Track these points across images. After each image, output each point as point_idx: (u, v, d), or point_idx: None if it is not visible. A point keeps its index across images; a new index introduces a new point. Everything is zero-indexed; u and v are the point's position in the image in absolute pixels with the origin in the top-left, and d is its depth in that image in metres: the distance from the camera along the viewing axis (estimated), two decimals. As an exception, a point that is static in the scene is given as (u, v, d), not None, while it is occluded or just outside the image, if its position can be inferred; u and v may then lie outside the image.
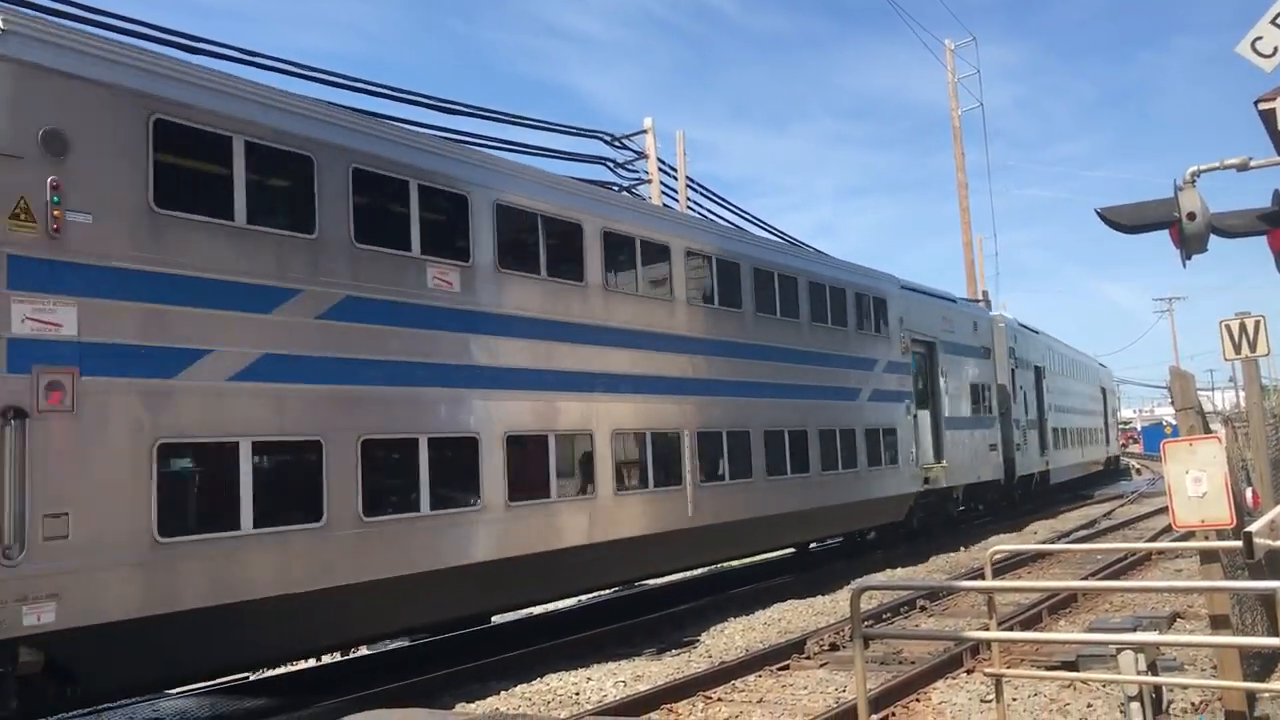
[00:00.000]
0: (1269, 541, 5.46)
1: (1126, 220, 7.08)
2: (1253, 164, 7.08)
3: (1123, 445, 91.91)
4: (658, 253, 14.16)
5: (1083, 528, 23.99)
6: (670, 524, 13.58)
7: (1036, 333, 33.03)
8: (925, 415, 21.63)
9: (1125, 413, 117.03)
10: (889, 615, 13.23)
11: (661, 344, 13.89)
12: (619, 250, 13.44)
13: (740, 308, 15.83)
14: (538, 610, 15.61)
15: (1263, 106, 19.49)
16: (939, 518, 22.50)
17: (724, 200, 25.87)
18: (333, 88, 16.82)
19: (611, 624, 13.15)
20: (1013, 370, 27.34)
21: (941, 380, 22.38)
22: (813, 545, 20.23)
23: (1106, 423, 45.78)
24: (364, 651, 12.77)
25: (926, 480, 21.15)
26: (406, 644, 13.18)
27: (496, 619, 13.87)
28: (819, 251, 22.71)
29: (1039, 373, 31.72)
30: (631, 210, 14.57)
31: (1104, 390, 46.72)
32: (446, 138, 14.65)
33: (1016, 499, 28.24)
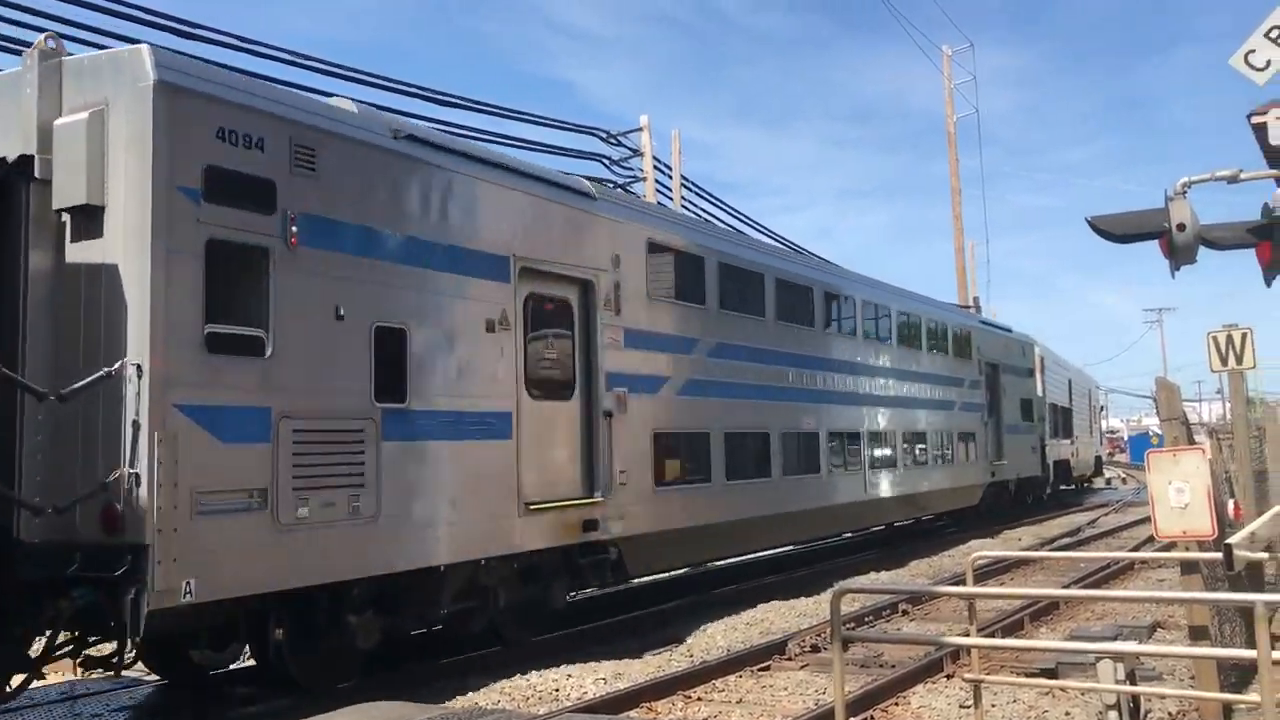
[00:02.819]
0: (1249, 553, 5.48)
1: (1117, 230, 7.09)
2: (1243, 176, 7.10)
3: (1109, 454, 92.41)
4: (863, 308, 20.55)
5: (1067, 535, 24.07)
6: (852, 498, 19.15)
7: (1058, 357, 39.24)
8: (992, 422, 26.87)
9: (1113, 422, 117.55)
10: (871, 618, 13.25)
11: (878, 372, 20.68)
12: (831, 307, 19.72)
13: (893, 343, 21.75)
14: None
15: (1255, 120, 19.56)
16: (1002, 501, 28.13)
17: (720, 200, 25.97)
18: (329, 77, 16.79)
19: (594, 621, 13.15)
20: (1044, 388, 33.13)
21: (1002, 394, 27.57)
22: (924, 518, 25.42)
23: (1091, 427, 47.98)
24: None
25: (993, 474, 26.65)
26: (387, 639, 13.13)
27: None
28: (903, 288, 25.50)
29: (1070, 386, 39.37)
30: (846, 278, 20.82)
31: (1090, 395, 48.74)
32: (443, 130, 14.63)
33: (1048, 492, 34.31)
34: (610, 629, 13.10)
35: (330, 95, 11.25)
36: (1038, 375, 32.28)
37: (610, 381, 12.44)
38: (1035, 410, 31.02)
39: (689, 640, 12.26)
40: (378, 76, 17.58)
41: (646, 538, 13.04)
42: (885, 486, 20.50)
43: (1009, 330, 30.60)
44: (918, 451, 22.08)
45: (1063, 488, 38.22)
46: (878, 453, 20.16)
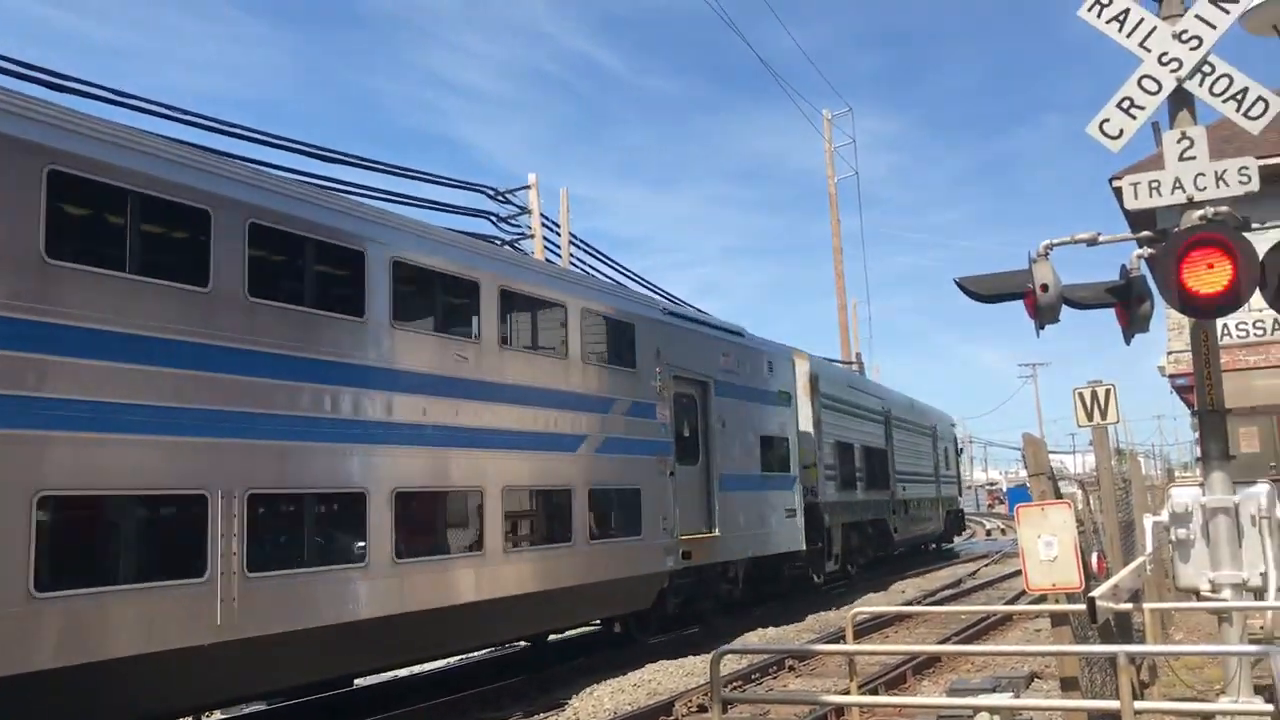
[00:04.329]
0: (1112, 605, 5.62)
1: (983, 290, 7.32)
2: (1101, 239, 7.39)
3: (989, 505, 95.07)
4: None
5: (949, 587, 24.52)
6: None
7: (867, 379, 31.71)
8: (692, 471, 17.02)
9: (992, 474, 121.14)
10: (758, 675, 13.23)
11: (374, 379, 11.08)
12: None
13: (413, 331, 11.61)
14: (403, 673, 15.15)
15: (1115, 184, 20.48)
16: (708, 602, 17.78)
17: (608, 258, 26.05)
18: (215, 134, 16.38)
19: (478, 687, 12.84)
20: (819, 418, 23.58)
21: (717, 428, 17.79)
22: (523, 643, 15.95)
23: (940, 475, 37.70)
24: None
25: (687, 555, 16.23)
26: (266, 707, 12.61)
27: (358, 682, 13.40)
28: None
29: (889, 423, 30.08)
30: None
31: (935, 437, 37.79)
32: (331, 188, 14.41)
33: (832, 569, 23.54)
34: (496, 693, 12.81)
35: (219, 153, 10.98)
36: (804, 402, 22.83)
37: None
38: (792, 453, 21.01)
39: (575, 704, 12.06)
40: (265, 133, 17.25)
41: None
42: (385, 597, 10.62)
43: (739, 333, 19.85)
44: (485, 523, 12.11)
45: (875, 555, 28.22)
46: (375, 533, 10.57)
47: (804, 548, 21.22)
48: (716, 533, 17.47)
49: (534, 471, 13.16)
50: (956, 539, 42.27)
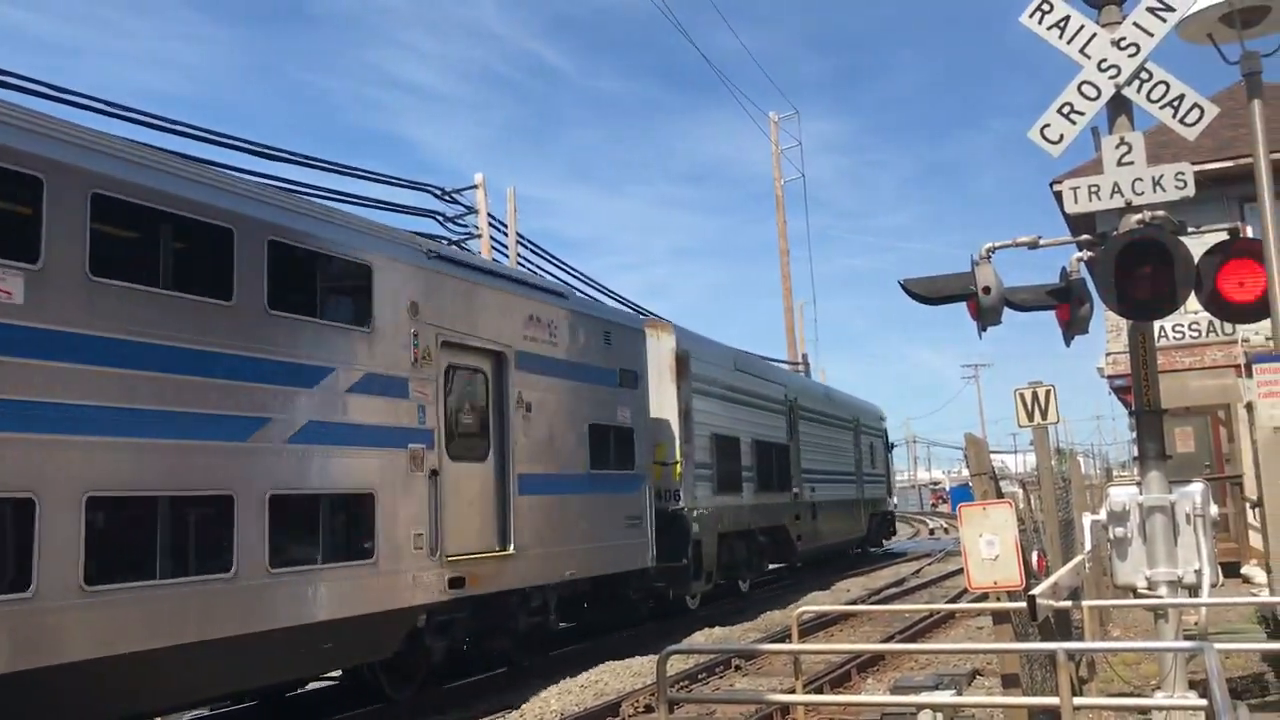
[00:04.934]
0: (1051, 602, 5.71)
1: (926, 292, 7.38)
2: (1042, 243, 7.48)
3: (933, 505, 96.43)
4: None
5: (893, 585, 24.77)
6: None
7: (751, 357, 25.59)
8: (477, 470, 13.05)
9: (935, 473, 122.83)
10: (704, 675, 13.27)
11: None
12: None
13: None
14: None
15: (1056, 188, 20.84)
16: (498, 640, 13.72)
17: (556, 259, 25.97)
18: (154, 130, 16.08)
19: (445, 685, 12.76)
20: (688, 406, 19.31)
21: (517, 415, 13.68)
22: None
23: (861, 474, 33.20)
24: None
25: (458, 582, 12.18)
26: None
27: (322, 682, 13.21)
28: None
29: (793, 412, 25.89)
30: None
31: (857, 431, 33.21)
32: (275, 186, 14.18)
33: (705, 589, 19.72)
34: (447, 694, 12.77)
35: (161, 150, 10.70)
36: (665, 385, 18.69)
37: None
38: (639, 448, 16.80)
39: (524, 706, 12.01)
40: (209, 131, 16.96)
41: None
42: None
43: (561, 294, 16.03)
44: (39, 550, 7.79)
45: (770, 567, 25.53)
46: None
47: (652, 564, 16.93)
48: (511, 550, 13.18)
49: (154, 470, 8.74)
50: (887, 542, 39.11)
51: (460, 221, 24.99)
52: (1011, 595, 6.78)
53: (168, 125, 16.06)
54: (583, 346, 15.53)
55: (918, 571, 28.91)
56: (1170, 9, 6.63)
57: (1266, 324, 8.87)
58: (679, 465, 18.68)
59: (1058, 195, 19.75)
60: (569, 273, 25.81)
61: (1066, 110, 6.88)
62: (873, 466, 34.97)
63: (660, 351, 18.85)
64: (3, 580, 7.60)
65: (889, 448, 39.32)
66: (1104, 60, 6.77)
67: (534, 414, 14.01)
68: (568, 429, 14.88)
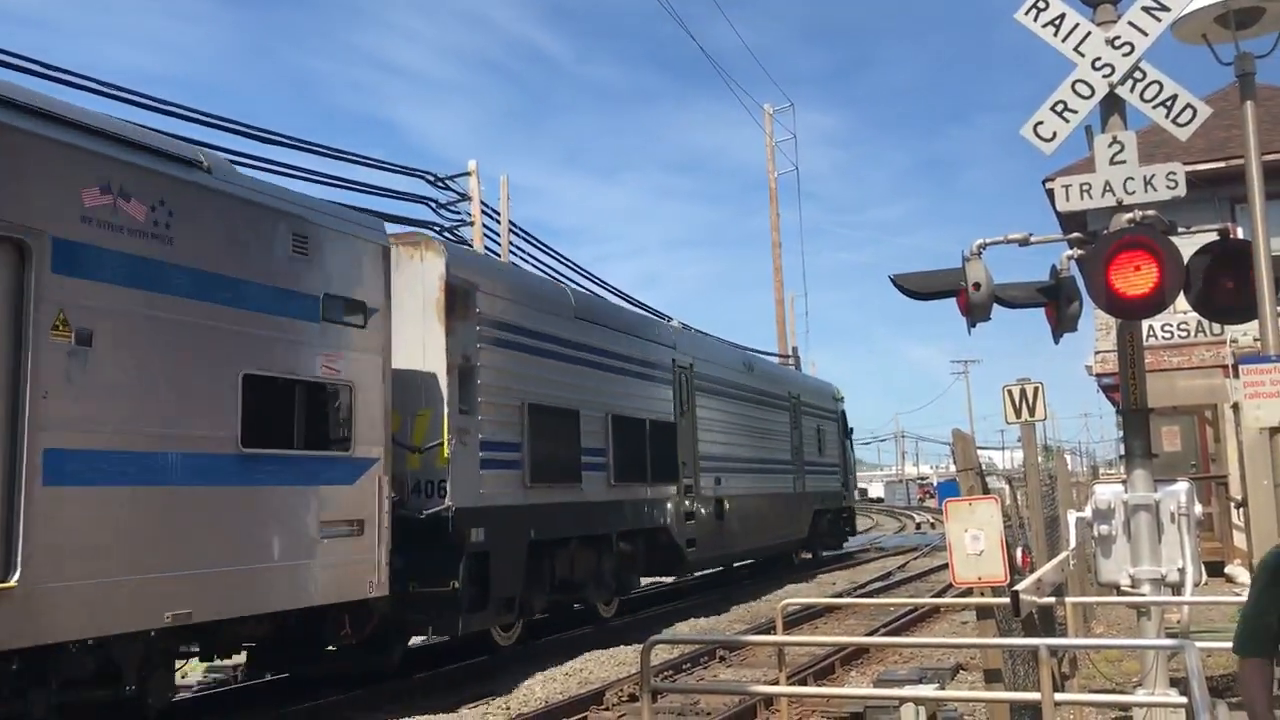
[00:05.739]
0: (1035, 598, 5.73)
1: (917, 287, 7.39)
2: (1033, 240, 7.49)
3: (920, 499, 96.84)
4: None
5: (879, 579, 24.84)
6: None
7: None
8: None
9: (923, 468, 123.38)
10: (689, 665, 13.30)
11: None
12: None
13: None
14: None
15: (1048, 185, 20.86)
16: None
17: (548, 247, 25.90)
18: (149, 111, 15.97)
19: (412, 675, 12.77)
20: (469, 360, 13.02)
21: (55, 347, 7.99)
22: None
23: (802, 460, 27.25)
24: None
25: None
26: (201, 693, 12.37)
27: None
28: None
29: (685, 378, 19.91)
30: None
31: (795, 412, 27.07)
32: (269, 169, 14.08)
33: (504, 637, 14.17)
34: (433, 680, 12.78)
35: (153, 130, 10.60)
36: (427, 324, 12.59)
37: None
38: (357, 416, 10.88)
39: (506, 693, 12.02)
40: (200, 112, 16.83)
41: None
42: None
43: (194, 162, 9.49)
44: None
45: (639, 586, 19.74)
46: None
47: (382, 591, 10.95)
48: (14, 581, 7.37)
49: None
50: (846, 544, 33.33)
51: (453, 208, 24.93)
52: (995, 591, 6.80)
53: (166, 107, 15.96)
54: (238, 251, 9.75)
55: (903, 566, 28.99)
56: (1165, 8, 6.63)
57: (1254, 325, 8.92)
58: (446, 446, 12.36)
59: (1049, 193, 19.68)
60: (562, 261, 25.78)
61: (1060, 108, 6.88)
62: (820, 454, 28.87)
63: (424, 279, 12.77)
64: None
65: (847, 433, 33.05)
66: (1098, 59, 6.77)
67: (99, 349, 8.29)
68: (190, 380, 9.10)
